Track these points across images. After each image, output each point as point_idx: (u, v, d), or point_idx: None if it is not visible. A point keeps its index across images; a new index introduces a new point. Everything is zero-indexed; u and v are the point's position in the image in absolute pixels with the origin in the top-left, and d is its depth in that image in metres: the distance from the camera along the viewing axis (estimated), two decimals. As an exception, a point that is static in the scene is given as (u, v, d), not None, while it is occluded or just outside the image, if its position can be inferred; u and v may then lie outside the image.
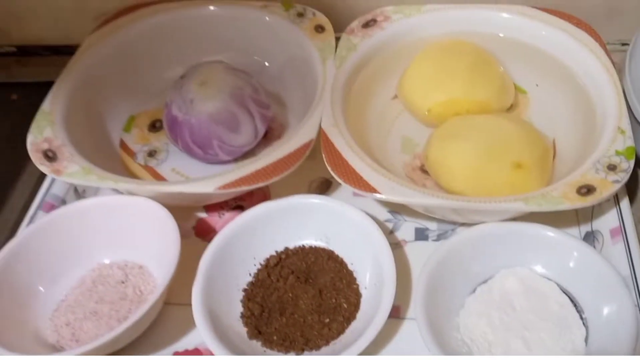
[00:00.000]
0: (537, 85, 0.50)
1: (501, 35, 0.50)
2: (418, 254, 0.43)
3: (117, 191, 0.45)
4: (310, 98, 0.46)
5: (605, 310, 0.37)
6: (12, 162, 0.51)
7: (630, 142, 0.40)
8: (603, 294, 0.37)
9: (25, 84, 0.59)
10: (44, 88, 0.52)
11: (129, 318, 0.38)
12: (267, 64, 0.53)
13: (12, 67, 0.63)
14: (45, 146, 0.43)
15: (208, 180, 0.40)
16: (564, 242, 0.39)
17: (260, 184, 0.40)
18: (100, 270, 0.43)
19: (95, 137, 0.48)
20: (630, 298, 0.36)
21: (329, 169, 0.41)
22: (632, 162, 0.39)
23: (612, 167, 0.39)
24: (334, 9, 0.54)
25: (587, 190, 0.38)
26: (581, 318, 0.38)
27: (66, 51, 0.63)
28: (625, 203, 0.42)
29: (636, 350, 0.35)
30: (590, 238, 0.42)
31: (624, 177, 0.38)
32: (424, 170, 0.46)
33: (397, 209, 0.46)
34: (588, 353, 0.36)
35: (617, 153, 0.40)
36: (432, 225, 0.45)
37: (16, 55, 0.65)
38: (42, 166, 0.42)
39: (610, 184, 0.38)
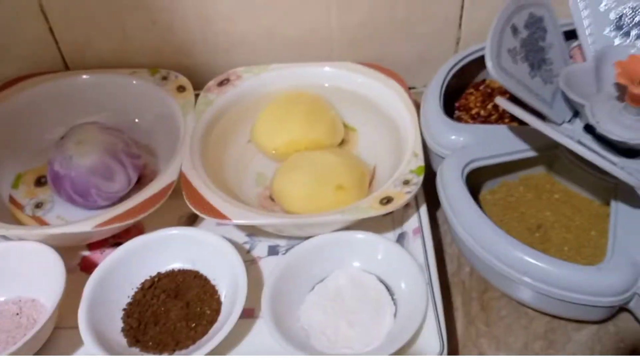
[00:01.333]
0: (363, 124, 0.62)
1: (327, 85, 0.62)
2: (270, 267, 0.53)
3: (8, 239, 0.52)
4: (176, 147, 0.56)
5: (407, 290, 0.49)
6: None
7: (420, 163, 0.53)
8: (405, 278, 0.49)
9: None
10: None
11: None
12: (137, 120, 0.62)
13: None
14: (-58, 205, 0.50)
15: (86, 221, 0.49)
16: (375, 241, 0.51)
17: (130, 221, 0.49)
18: (-3, 306, 0.50)
19: (-14, 195, 0.55)
20: (423, 279, 0.48)
21: (188, 203, 0.50)
22: (420, 178, 0.51)
23: (406, 182, 0.51)
24: (194, 71, 0.64)
25: (387, 200, 0.50)
26: (392, 299, 0.49)
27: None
28: (423, 208, 0.54)
29: (426, 314, 0.46)
30: (401, 237, 0.54)
31: (414, 189, 0.50)
32: (272, 198, 0.57)
33: (252, 231, 0.56)
34: (396, 324, 0.47)
35: (411, 171, 0.52)
36: (282, 242, 0.55)
37: None
38: (-61, 222, 0.48)
39: (403, 195, 0.50)
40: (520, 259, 0.45)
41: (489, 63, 0.52)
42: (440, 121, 0.55)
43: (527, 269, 0.45)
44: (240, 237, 0.56)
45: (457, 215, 0.48)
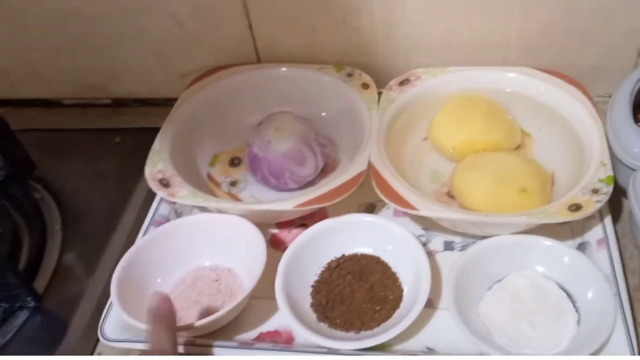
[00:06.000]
0: (539, 129, 0.62)
1: (508, 90, 0.62)
2: (446, 261, 0.54)
3: (207, 210, 0.57)
4: (358, 140, 0.59)
5: (593, 299, 0.48)
6: (122, 191, 0.63)
7: (609, 172, 0.52)
8: (590, 287, 0.49)
9: (124, 129, 0.72)
10: (140, 132, 0.65)
11: (224, 306, 0.51)
12: (323, 113, 0.66)
13: (110, 116, 0.77)
14: (160, 176, 0.56)
15: (286, 201, 0.53)
16: (559, 249, 0.51)
17: (326, 204, 0.52)
18: (197, 271, 0.55)
19: (191, 170, 0.61)
20: (610, 289, 0.48)
21: (378, 191, 0.53)
22: (610, 187, 0.51)
23: (595, 191, 0.51)
24: (377, 71, 0.67)
25: (575, 208, 0.50)
26: (574, 306, 0.49)
27: (153, 103, 0.77)
28: (608, 219, 0.53)
29: (614, 326, 0.46)
30: (582, 247, 0.54)
31: (604, 198, 0.50)
32: (450, 195, 0.59)
33: (428, 225, 0.58)
34: (580, 332, 0.47)
35: (600, 180, 0.52)
36: (457, 239, 0.57)
37: (111, 106, 0.79)
38: (160, 191, 0.55)
39: (593, 204, 0.50)
40: None
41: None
42: (632, 131, 0.54)
43: None
44: (417, 230, 0.58)
45: (652, 228, 0.48)
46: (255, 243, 0.53)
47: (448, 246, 0.57)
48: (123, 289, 0.50)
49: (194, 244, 0.55)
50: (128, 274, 0.52)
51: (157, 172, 0.56)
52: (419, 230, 0.58)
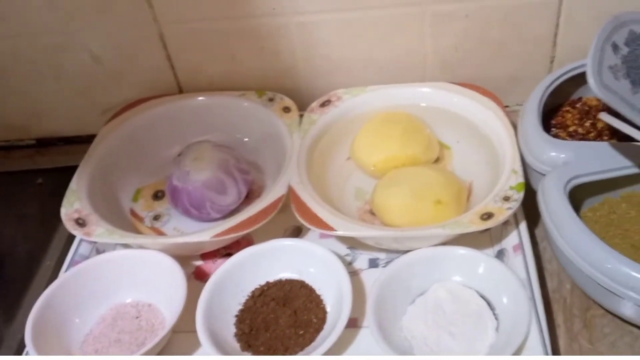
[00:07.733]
0: (458, 141, 0.64)
1: (423, 105, 0.64)
2: (372, 279, 0.54)
3: (128, 246, 0.56)
4: (282, 164, 0.59)
5: (510, 305, 0.49)
6: (43, 234, 0.62)
7: (520, 179, 0.53)
8: (507, 293, 0.50)
9: (47, 170, 0.71)
10: (63, 172, 0.64)
11: (146, 343, 0.50)
12: (246, 139, 0.67)
13: (34, 157, 0.76)
14: (76, 215, 0.55)
15: (204, 232, 0.53)
16: (474, 257, 0.52)
17: (244, 232, 0.52)
18: (118, 309, 0.54)
19: (111, 207, 0.60)
20: (526, 294, 0.49)
21: (297, 215, 0.53)
22: (521, 194, 0.52)
23: (506, 199, 0.52)
24: (300, 93, 0.67)
25: (487, 216, 0.51)
26: (493, 313, 0.50)
27: (78, 140, 0.76)
28: (523, 225, 0.54)
29: (530, 329, 0.47)
30: (500, 254, 0.55)
31: (515, 205, 0.51)
32: (372, 213, 0.59)
33: (353, 244, 0.58)
34: (499, 338, 0.48)
35: (511, 188, 0.53)
36: (381, 256, 0.57)
37: (35, 147, 0.77)
38: (75, 231, 0.54)
39: (504, 211, 0.51)
40: (626, 273, 0.45)
41: (590, 80, 0.53)
42: (540, 138, 0.55)
43: (634, 284, 0.45)
44: (342, 250, 0.58)
45: (560, 230, 0.49)
46: (174, 277, 0.52)
47: (373, 263, 0.57)
48: (39, 333, 0.49)
49: (113, 281, 0.54)
50: (44, 317, 0.51)
51: (74, 211, 0.55)
52: (344, 249, 0.58)
